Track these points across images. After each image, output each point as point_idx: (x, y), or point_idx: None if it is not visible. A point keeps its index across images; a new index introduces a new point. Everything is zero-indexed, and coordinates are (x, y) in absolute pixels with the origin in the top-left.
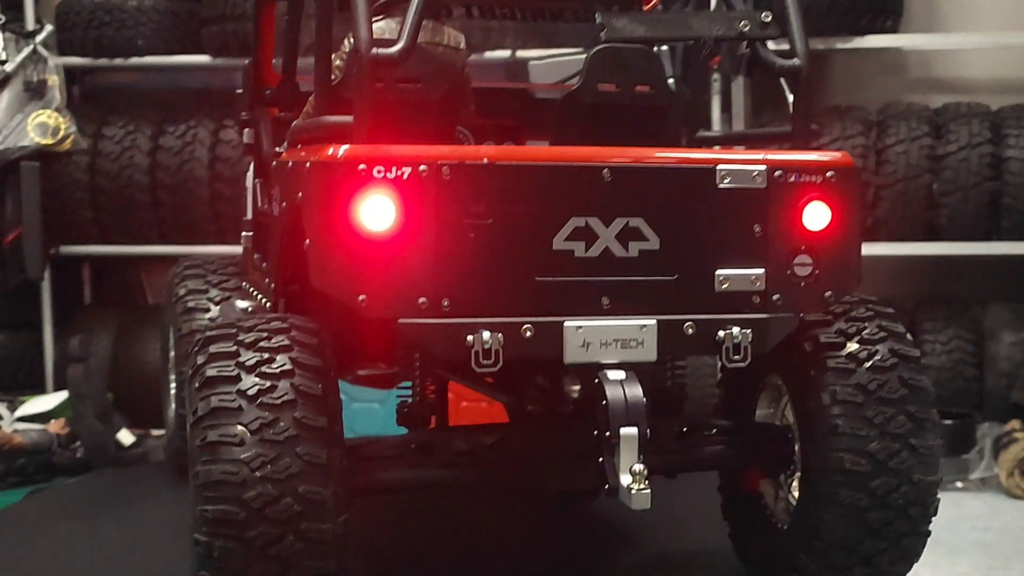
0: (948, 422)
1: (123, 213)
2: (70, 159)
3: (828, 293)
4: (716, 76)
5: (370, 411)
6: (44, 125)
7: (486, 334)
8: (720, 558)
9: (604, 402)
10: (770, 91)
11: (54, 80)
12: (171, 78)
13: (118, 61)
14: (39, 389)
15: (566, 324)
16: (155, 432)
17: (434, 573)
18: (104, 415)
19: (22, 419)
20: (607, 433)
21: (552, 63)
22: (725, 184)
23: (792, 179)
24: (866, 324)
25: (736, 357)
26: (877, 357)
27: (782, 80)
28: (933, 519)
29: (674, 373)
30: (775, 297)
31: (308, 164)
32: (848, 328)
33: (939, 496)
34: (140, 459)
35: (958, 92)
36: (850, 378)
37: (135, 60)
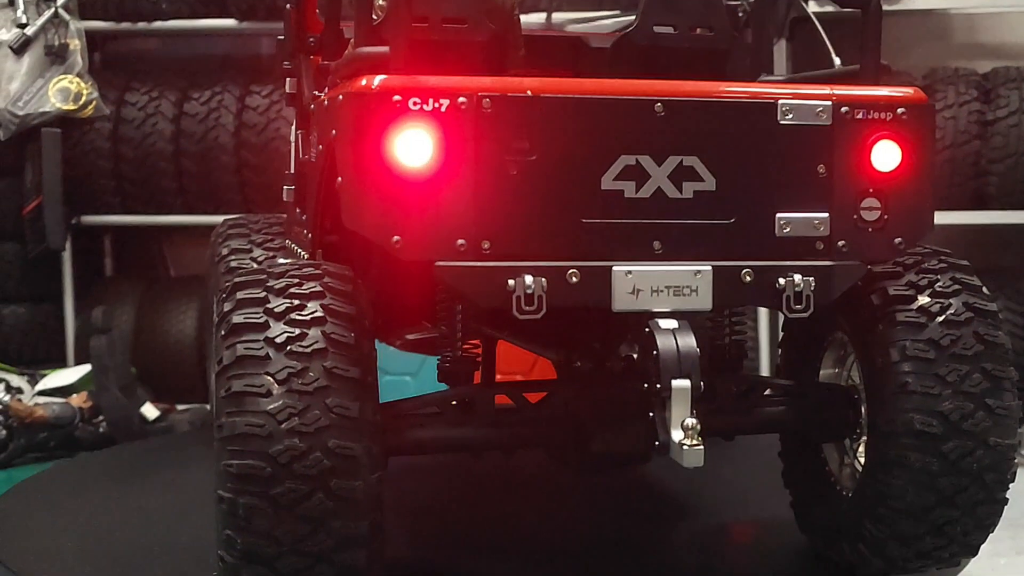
0: None
1: (146, 182)
2: (92, 126)
3: (898, 240)
4: None
5: (403, 383)
6: (66, 90)
7: (528, 278)
8: (779, 531)
9: (655, 352)
10: (810, 55)
11: (76, 44)
12: (195, 43)
13: (141, 25)
14: (60, 362)
15: (615, 269)
16: (180, 406)
17: (476, 541)
18: (128, 388)
19: (43, 393)
20: (658, 386)
21: (590, 25)
22: (787, 120)
23: (860, 116)
24: (939, 276)
25: (798, 307)
26: (951, 311)
27: (827, 42)
28: (1010, 486)
29: (732, 327)
30: (840, 243)
31: (341, 97)
32: (919, 280)
33: (1018, 461)
34: (164, 433)
35: (1005, 57)
36: (921, 333)
37: (159, 24)
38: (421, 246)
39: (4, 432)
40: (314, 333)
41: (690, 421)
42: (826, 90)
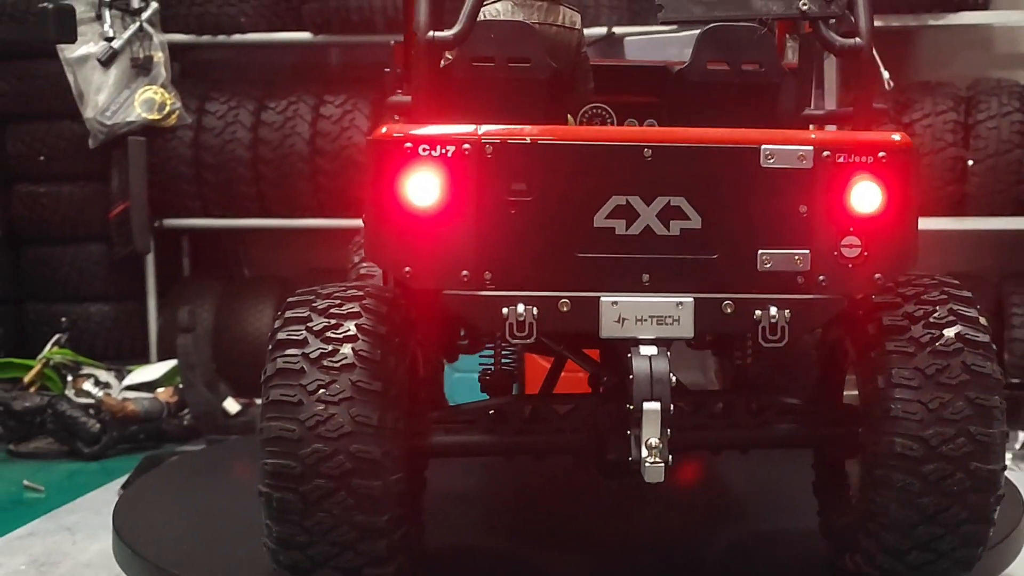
0: None
1: (225, 187)
2: (175, 134)
3: (878, 276)
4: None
5: (471, 381)
6: (151, 101)
7: (520, 307)
8: (803, 537)
9: (631, 376)
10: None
11: (159, 56)
12: (271, 54)
13: (221, 38)
14: (143, 358)
15: (602, 299)
16: (259, 400)
17: (504, 539)
18: (211, 384)
19: (129, 388)
20: (630, 407)
21: (649, 40)
22: (770, 164)
23: (840, 159)
24: (936, 308)
25: (773, 337)
26: (941, 342)
27: (876, 56)
28: (997, 507)
29: (748, 354)
30: (820, 278)
31: (366, 143)
32: (916, 311)
33: (1004, 484)
34: (246, 427)
35: None
36: (909, 362)
37: (237, 37)
38: (429, 276)
39: (98, 426)
40: (345, 350)
41: (653, 441)
42: (809, 135)
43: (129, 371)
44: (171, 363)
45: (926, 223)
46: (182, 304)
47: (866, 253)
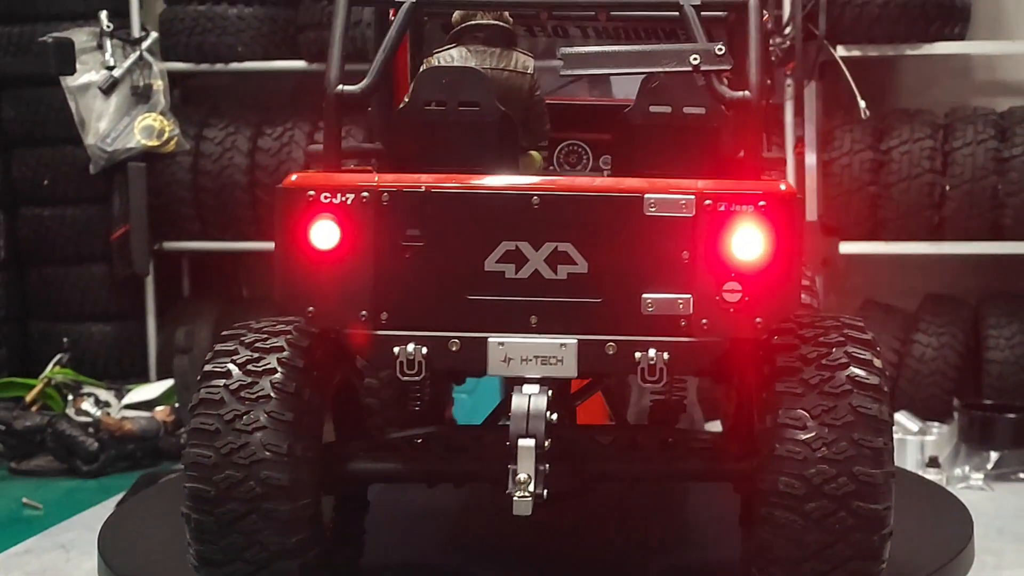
0: (1012, 416)
1: (223, 210)
2: (174, 160)
3: (759, 320)
4: (789, 82)
5: (460, 400)
6: (150, 128)
7: (411, 346)
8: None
9: (509, 413)
10: (841, 96)
11: (159, 85)
12: (268, 82)
13: (219, 66)
14: (143, 377)
15: (490, 340)
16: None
17: (435, 561)
18: None
19: (128, 406)
20: (507, 443)
21: (637, 78)
22: (652, 212)
23: (722, 208)
24: (833, 349)
25: (651, 378)
26: (830, 383)
27: (852, 84)
28: (886, 544)
29: (672, 387)
30: (703, 322)
31: (276, 190)
32: (810, 353)
33: (890, 523)
34: None
35: (1022, 96)
36: (797, 402)
37: (235, 65)
38: (331, 316)
39: (97, 444)
40: (263, 383)
41: (522, 476)
42: (691, 184)
43: (128, 390)
44: (169, 382)
45: (906, 247)
46: (180, 325)
47: (747, 298)
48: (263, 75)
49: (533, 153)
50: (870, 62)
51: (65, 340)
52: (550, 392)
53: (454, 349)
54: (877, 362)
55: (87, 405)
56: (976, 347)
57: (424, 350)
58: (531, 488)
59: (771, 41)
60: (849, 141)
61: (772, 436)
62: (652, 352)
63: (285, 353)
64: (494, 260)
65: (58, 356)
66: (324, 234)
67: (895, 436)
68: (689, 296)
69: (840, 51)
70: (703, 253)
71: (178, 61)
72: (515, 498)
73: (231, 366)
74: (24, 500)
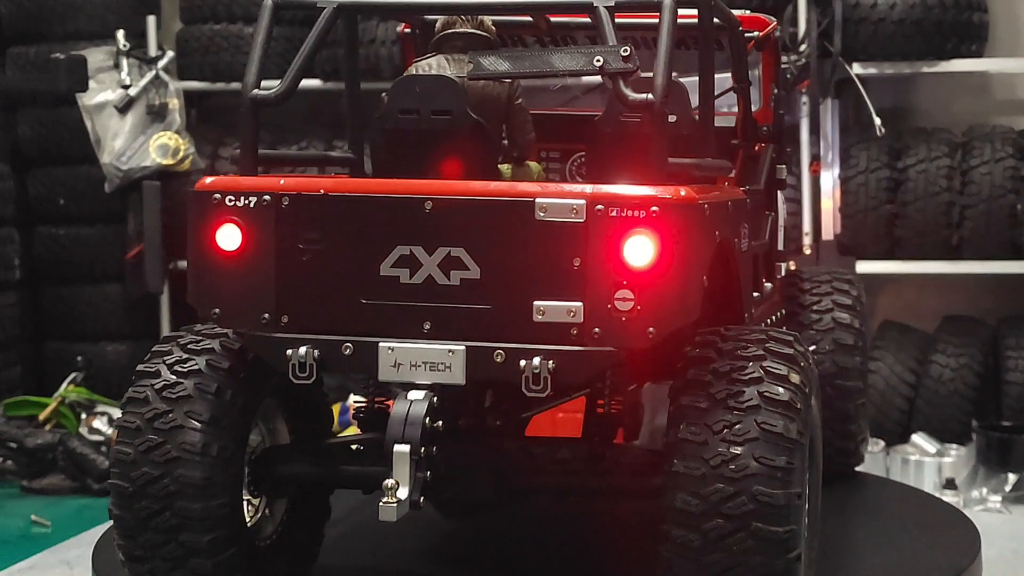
0: None
1: None
2: (189, 178)
3: (651, 330)
4: (805, 100)
5: None
6: (165, 146)
7: (303, 349)
8: None
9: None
10: (857, 113)
11: (175, 103)
12: None
13: (235, 85)
14: None
15: (380, 345)
16: None
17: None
18: None
19: None
20: (384, 448)
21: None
22: (543, 217)
23: (613, 213)
24: (748, 364)
25: (536, 387)
26: (738, 399)
27: (868, 102)
28: (795, 569)
29: (611, 402)
30: (595, 331)
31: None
32: (724, 366)
33: (798, 547)
34: None
35: None
36: (700, 417)
37: None
38: (235, 318)
39: (108, 462)
40: (187, 383)
41: (389, 482)
42: (581, 188)
43: None
44: None
45: (923, 267)
46: None
47: (639, 307)
48: None
49: (531, 164)
50: (886, 80)
51: (79, 359)
52: (435, 399)
53: (347, 353)
54: (795, 378)
55: (100, 424)
56: (995, 368)
57: (316, 353)
58: (399, 494)
59: (786, 58)
60: (865, 159)
61: (672, 451)
62: (536, 360)
63: (214, 355)
64: (389, 265)
65: (72, 375)
66: (228, 237)
67: (912, 457)
68: (580, 304)
69: (856, 69)
70: (594, 260)
71: (194, 80)
72: (380, 504)
73: (161, 366)
74: (33, 517)
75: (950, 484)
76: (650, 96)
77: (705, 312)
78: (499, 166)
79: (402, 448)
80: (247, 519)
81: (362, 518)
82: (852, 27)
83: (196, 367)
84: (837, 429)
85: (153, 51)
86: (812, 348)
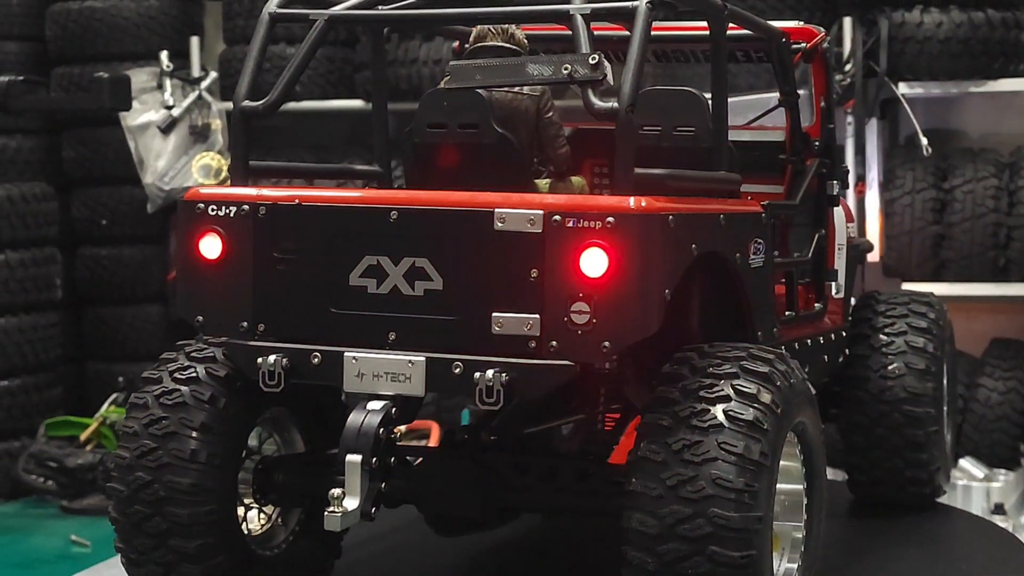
0: None
1: None
2: None
3: (606, 344)
4: (850, 119)
5: None
6: (207, 167)
7: (272, 358)
8: None
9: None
10: (901, 133)
11: (217, 124)
12: (325, 121)
13: None
14: None
15: (345, 354)
16: None
17: None
18: None
19: None
20: (337, 458)
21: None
22: (502, 227)
23: (570, 224)
24: (718, 382)
25: (489, 400)
26: (701, 417)
27: (915, 122)
28: None
29: (604, 418)
30: (552, 344)
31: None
32: (693, 384)
33: (757, 574)
34: None
35: None
36: (661, 435)
37: (293, 104)
38: (217, 326)
39: None
40: (184, 390)
41: (336, 491)
42: (539, 199)
43: None
44: None
45: (970, 288)
46: None
47: (595, 320)
48: (320, 114)
49: (574, 178)
50: (932, 99)
51: (120, 379)
52: (393, 409)
53: (315, 362)
54: (765, 397)
55: None
56: None
57: (285, 362)
58: (347, 504)
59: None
60: (911, 180)
61: (632, 470)
62: (490, 373)
63: (213, 363)
64: (357, 275)
65: (113, 395)
66: (210, 246)
67: (960, 482)
68: (537, 316)
69: (902, 88)
70: (551, 272)
71: None
72: (326, 513)
73: (164, 373)
74: (72, 537)
75: (999, 509)
76: (615, 104)
77: (684, 328)
78: (537, 181)
79: (354, 458)
80: (258, 527)
81: (391, 533)
82: (898, 46)
83: (194, 375)
84: (907, 458)
85: (196, 72)
86: (879, 372)
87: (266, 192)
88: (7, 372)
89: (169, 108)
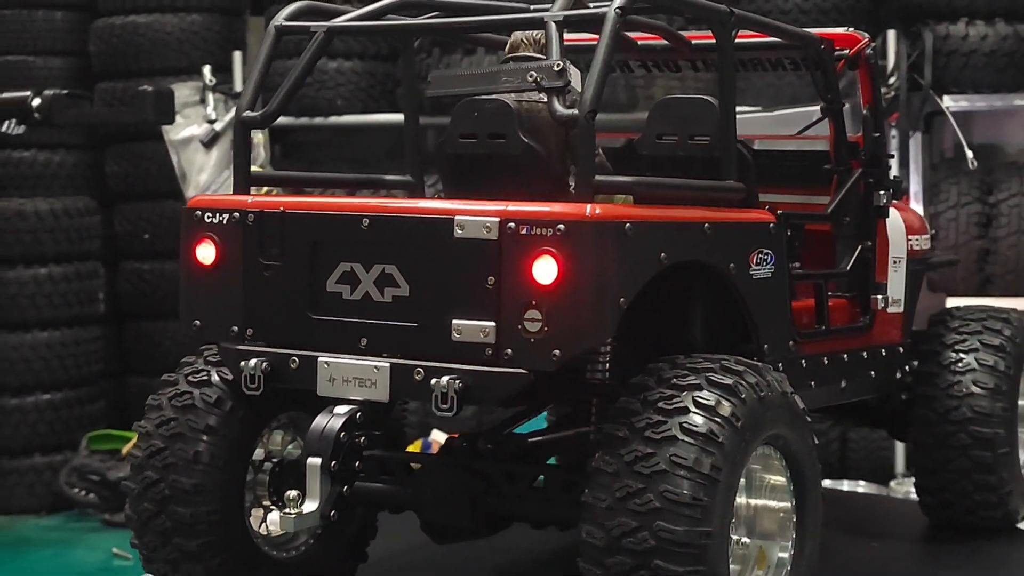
0: None
1: None
2: None
3: (556, 352)
4: (894, 133)
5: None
6: None
7: (252, 362)
8: None
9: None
10: (947, 146)
11: (259, 138)
12: (367, 136)
13: (318, 120)
14: None
15: (319, 359)
16: None
17: None
18: None
19: None
20: (300, 460)
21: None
22: (460, 234)
23: (524, 231)
24: (681, 393)
25: (444, 407)
26: (656, 429)
27: (960, 135)
28: None
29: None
30: (507, 352)
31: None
32: (653, 395)
33: None
34: None
35: None
36: (615, 447)
37: (334, 119)
38: (211, 330)
39: None
40: (195, 393)
41: (292, 493)
42: (495, 206)
43: None
44: None
45: (1015, 303)
46: None
47: (546, 328)
48: (362, 129)
49: (619, 196)
50: (977, 113)
51: None
52: (358, 414)
53: (293, 367)
54: (725, 409)
55: None
56: None
57: (264, 366)
58: (305, 507)
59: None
60: (956, 194)
61: (586, 481)
62: (444, 380)
63: (221, 369)
64: (334, 281)
65: None
66: (205, 252)
67: None
68: (493, 324)
69: (946, 101)
70: (506, 279)
71: None
72: (280, 514)
73: (180, 376)
74: (114, 551)
75: None
76: (576, 111)
77: (686, 339)
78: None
79: (314, 461)
80: (278, 528)
81: (416, 541)
82: (942, 59)
83: (205, 378)
84: (975, 480)
85: (239, 86)
86: (946, 391)
87: (256, 200)
88: (50, 386)
89: (212, 122)
